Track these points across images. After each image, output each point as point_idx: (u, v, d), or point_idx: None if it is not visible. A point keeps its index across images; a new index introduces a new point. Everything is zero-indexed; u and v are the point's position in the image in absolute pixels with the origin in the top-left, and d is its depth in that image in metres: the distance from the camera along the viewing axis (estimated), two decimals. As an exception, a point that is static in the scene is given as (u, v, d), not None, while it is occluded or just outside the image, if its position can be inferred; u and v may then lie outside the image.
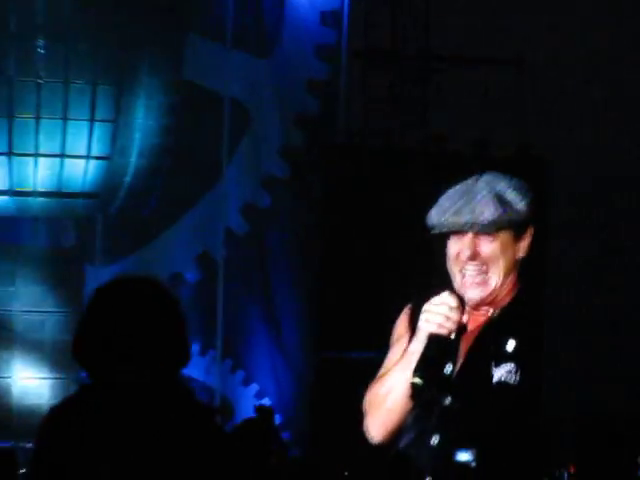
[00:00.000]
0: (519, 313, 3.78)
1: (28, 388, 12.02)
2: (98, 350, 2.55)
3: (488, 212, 3.50)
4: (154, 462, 2.51)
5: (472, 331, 3.83)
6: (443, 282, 3.71)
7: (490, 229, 3.49)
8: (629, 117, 12.16)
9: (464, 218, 3.55)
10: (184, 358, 2.60)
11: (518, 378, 3.74)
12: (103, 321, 2.57)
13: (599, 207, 11.95)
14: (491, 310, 3.79)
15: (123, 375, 2.56)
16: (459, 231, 3.62)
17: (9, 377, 12.05)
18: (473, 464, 4.89)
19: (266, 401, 11.76)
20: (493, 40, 11.43)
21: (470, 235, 3.62)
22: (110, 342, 2.55)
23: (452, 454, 5.40)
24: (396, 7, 11.58)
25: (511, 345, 4.17)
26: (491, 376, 3.95)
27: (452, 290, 3.58)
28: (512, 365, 3.99)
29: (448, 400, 3.62)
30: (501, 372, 4.06)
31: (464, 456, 5.10)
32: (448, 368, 3.62)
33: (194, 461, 2.53)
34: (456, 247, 3.63)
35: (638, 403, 10.74)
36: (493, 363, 3.98)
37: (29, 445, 8.89)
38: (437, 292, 3.66)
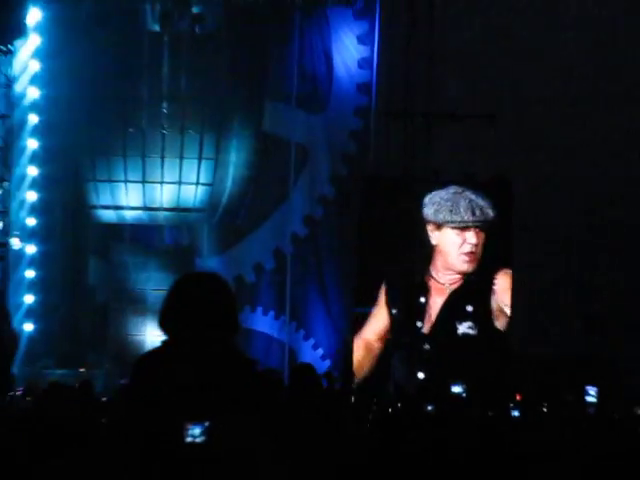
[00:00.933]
0: (473, 287, 6.92)
1: (156, 342, 15.51)
2: (178, 319, 3.17)
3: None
4: (210, 388, 3.08)
5: (439, 297, 6.91)
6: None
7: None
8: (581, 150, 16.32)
9: (481, 217, 6.21)
10: (234, 328, 3.21)
11: (476, 331, 6.90)
12: (183, 300, 3.18)
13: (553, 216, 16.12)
14: (448, 284, 6.80)
15: (194, 335, 3.13)
16: (466, 227, 6.29)
17: (143, 335, 15.56)
18: (464, 394, 8.74)
19: (320, 351, 15.40)
20: (475, 100, 15.71)
21: (473, 229, 6.47)
22: (187, 313, 3.15)
23: (446, 387, 9.69)
24: (408, 79, 15.73)
25: (469, 308, 7.61)
26: (456, 330, 7.35)
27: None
28: (470, 323, 7.41)
29: (427, 346, 6.81)
30: (464, 327, 7.53)
31: (457, 389, 9.68)
32: (419, 324, 6.82)
33: (235, 389, 3.10)
34: (460, 238, 6.38)
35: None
36: (457, 321, 7.30)
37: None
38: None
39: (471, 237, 11.56)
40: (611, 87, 16.35)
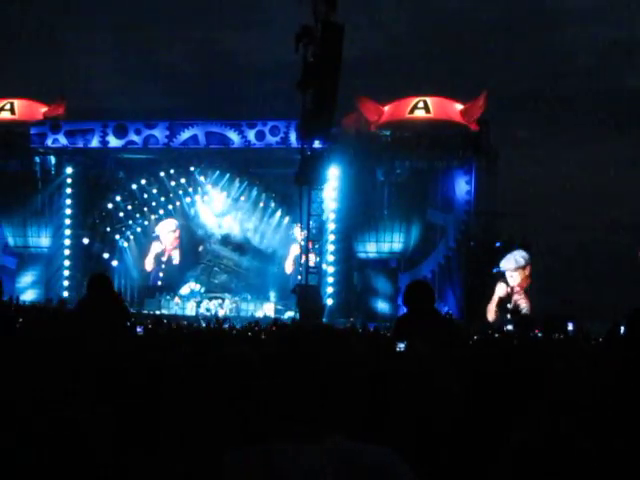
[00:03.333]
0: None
1: (384, 308, 36.79)
2: (411, 299, 6.51)
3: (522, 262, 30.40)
4: (436, 333, 5.87)
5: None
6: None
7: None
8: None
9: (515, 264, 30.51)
10: (434, 301, 6.68)
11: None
12: (410, 291, 6.61)
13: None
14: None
15: (419, 305, 6.49)
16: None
17: (376, 305, 36.75)
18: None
19: (447, 310, 36.37)
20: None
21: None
22: (414, 296, 6.51)
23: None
24: (488, 199, 37.24)
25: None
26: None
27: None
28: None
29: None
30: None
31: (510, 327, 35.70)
32: (509, 305, 31.12)
33: (448, 331, 6.40)
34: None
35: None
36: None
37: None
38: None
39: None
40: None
